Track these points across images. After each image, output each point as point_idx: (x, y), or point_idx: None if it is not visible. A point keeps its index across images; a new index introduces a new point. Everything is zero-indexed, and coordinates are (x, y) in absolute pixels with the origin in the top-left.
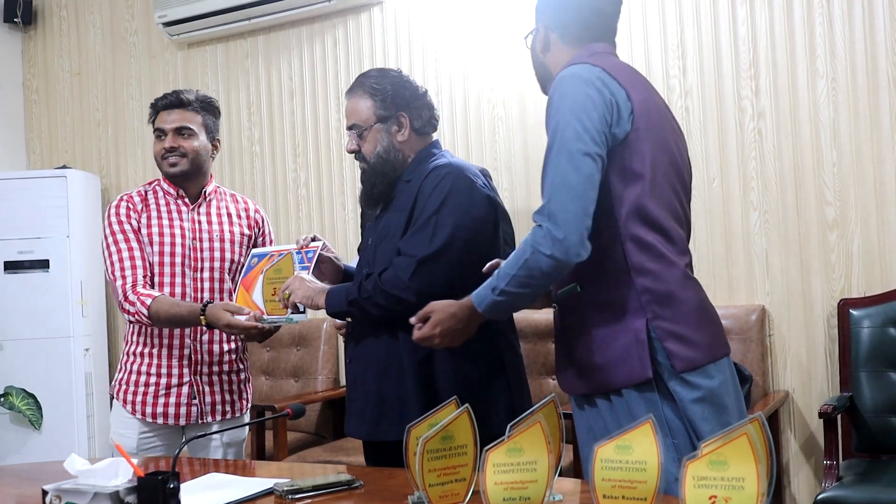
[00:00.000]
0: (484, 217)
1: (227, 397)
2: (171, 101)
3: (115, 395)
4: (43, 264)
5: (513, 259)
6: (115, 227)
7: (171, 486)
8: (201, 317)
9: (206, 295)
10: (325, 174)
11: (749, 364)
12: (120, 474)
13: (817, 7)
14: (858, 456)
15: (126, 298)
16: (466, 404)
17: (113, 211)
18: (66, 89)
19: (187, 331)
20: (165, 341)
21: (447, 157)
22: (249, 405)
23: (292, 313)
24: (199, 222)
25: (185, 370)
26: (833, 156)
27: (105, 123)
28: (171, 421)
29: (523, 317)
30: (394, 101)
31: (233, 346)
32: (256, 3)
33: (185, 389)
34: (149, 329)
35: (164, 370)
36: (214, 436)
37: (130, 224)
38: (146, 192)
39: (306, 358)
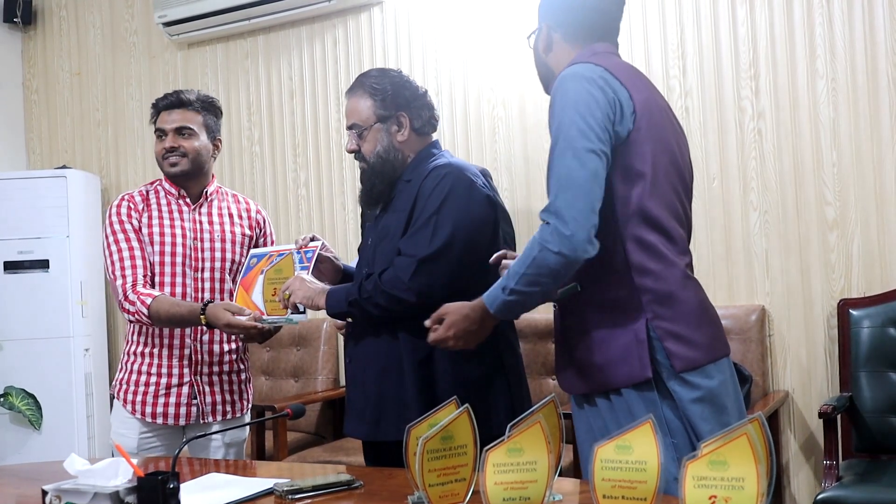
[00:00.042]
0: (484, 217)
1: (228, 397)
2: (172, 101)
3: (115, 395)
4: (43, 264)
5: (521, 258)
6: (116, 227)
7: (171, 486)
8: (201, 316)
9: (207, 295)
10: (325, 174)
11: (749, 364)
12: (120, 474)
13: (817, 7)
14: (858, 456)
15: (126, 298)
16: (466, 404)
17: (114, 210)
18: (65, 89)
19: (188, 331)
20: (166, 341)
21: (447, 157)
22: (250, 405)
23: (292, 313)
24: (201, 222)
25: (186, 370)
26: (833, 156)
27: (105, 123)
28: (170, 421)
29: (523, 317)
30: (394, 100)
31: (233, 346)
32: (256, 3)
33: (185, 389)
34: (149, 329)
35: (164, 370)
36: (215, 436)
37: (131, 224)
38: (147, 192)
39: (306, 358)
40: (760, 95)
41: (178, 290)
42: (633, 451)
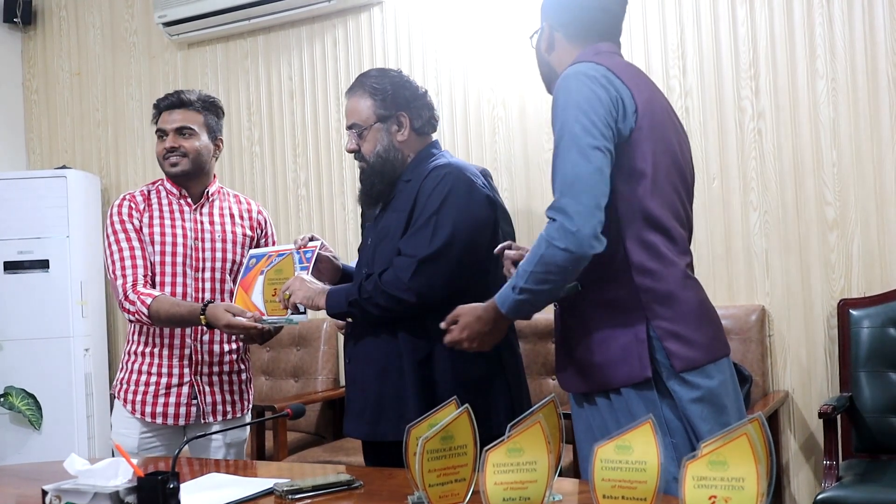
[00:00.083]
0: (484, 217)
1: (228, 398)
2: (173, 102)
3: (115, 395)
4: (43, 264)
5: (529, 256)
6: (117, 227)
7: (171, 486)
8: (201, 317)
9: (208, 295)
10: (325, 174)
11: (749, 364)
12: (120, 474)
13: (817, 7)
14: (858, 456)
15: (126, 298)
16: (466, 404)
17: (115, 210)
18: (65, 89)
19: (188, 331)
20: (166, 341)
21: (447, 157)
22: (251, 406)
23: (292, 314)
24: (202, 222)
25: (186, 370)
26: (833, 156)
27: (105, 123)
28: (170, 421)
29: None
30: (394, 100)
31: (234, 346)
32: (256, 3)
33: (185, 389)
34: (150, 329)
35: (164, 370)
36: (215, 436)
37: (132, 223)
38: (149, 192)
39: (306, 358)
40: (760, 95)
41: (179, 290)
42: (632, 452)
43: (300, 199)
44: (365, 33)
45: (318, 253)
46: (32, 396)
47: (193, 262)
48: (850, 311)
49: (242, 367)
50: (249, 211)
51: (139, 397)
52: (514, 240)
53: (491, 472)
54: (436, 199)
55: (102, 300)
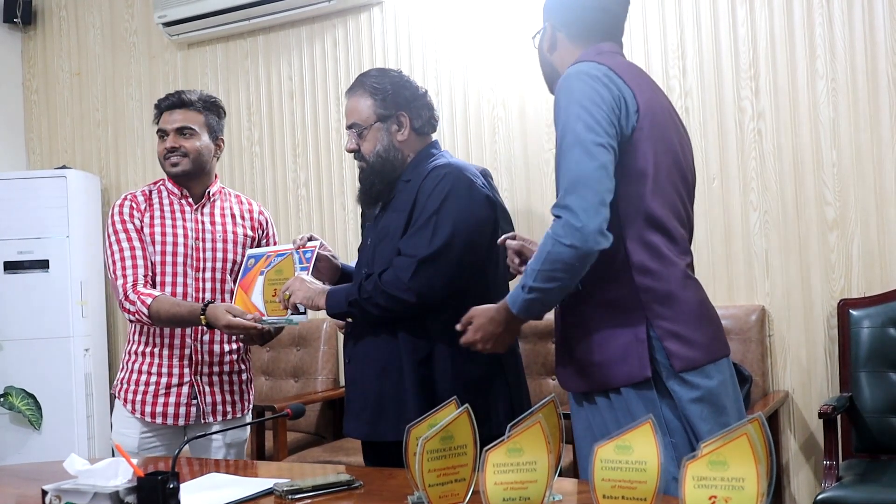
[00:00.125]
0: (484, 217)
1: (228, 398)
2: (174, 102)
3: (116, 395)
4: (43, 264)
5: (536, 254)
6: (118, 227)
7: (171, 486)
8: (201, 317)
9: (208, 295)
10: (324, 174)
11: (749, 364)
12: (120, 474)
13: (817, 7)
14: (858, 456)
15: (127, 297)
16: (466, 404)
17: (116, 210)
18: (65, 89)
19: (188, 331)
20: (167, 341)
21: (446, 157)
22: (251, 406)
23: (292, 314)
24: (203, 223)
25: (186, 370)
26: (833, 156)
27: (105, 124)
28: (170, 421)
29: None
30: (394, 100)
31: (234, 346)
32: (256, 3)
33: (185, 389)
34: (150, 329)
35: (164, 370)
36: (215, 436)
37: (133, 223)
38: (150, 192)
39: (306, 358)
40: (760, 95)
41: (179, 290)
42: (632, 452)
43: (300, 199)
44: (365, 33)
45: (318, 252)
46: (32, 396)
47: (194, 262)
48: (850, 311)
49: (243, 367)
50: (251, 211)
51: (139, 397)
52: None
53: (491, 472)
54: (436, 199)
55: (102, 300)
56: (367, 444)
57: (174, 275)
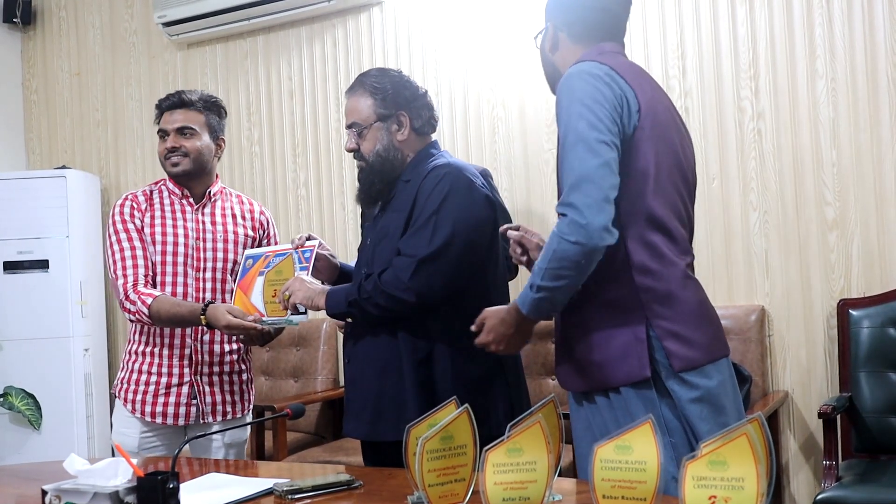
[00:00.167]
0: (483, 217)
1: (229, 398)
2: (174, 102)
3: (116, 395)
4: (42, 264)
5: (543, 253)
6: (119, 227)
7: (171, 486)
8: (202, 317)
9: (209, 295)
10: (324, 174)
11: (748, 364)
12: (119, 474)
13: (817, 7)
14: (858, 456)
15: (127, 297)
16: (466, 404)
17: (117, 210)
18: (65, 89)
19: (188, 331)
20: (167, 341)
21: (446, 157)
22: (251, 406)
23: (292, 314)
24: (203, 223)
25: (186, 370)
26: (833, 156)
27: (104, 124)
28: (170, 421)
29: None
30: (394, 100)
31: (234, 346)
32: (256, 3)
33: (185, 389)
34: (151, 328)
35: (164, 370)
36: (215, 436)
37: (134, 223)
38: (151, 192)
39: (306, 358)
40: (760, 95)
41: (180, 289)
42: (632, 452)
43: (300, 199)
44: (365, 33)
45: (316, 252)
46: (32, 396)
47: (195, 262)
48: (850, 311)
49: (243, 367)
50: (252, 211)
51: (139, 397)
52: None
53: (491, 472)
54: (435, 198)
55: (102, 300)
56: (367, 444)
57: (174, 275)
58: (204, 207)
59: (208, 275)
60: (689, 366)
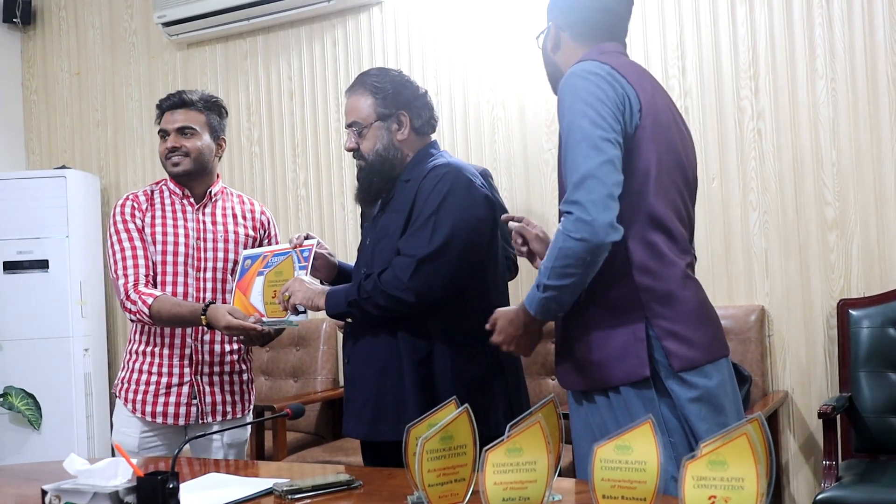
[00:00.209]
0: (483, 216)
1: (229, 398)
2: (175, 102)
3: (117, 394)
4: (42, 264)
5: (549, 252)
6: (120, 227)
7: (171, 486)
8: (202, 317)
9: (209, 295)
10: (324, 174)
11: (748, 364)
12: (119, 474)
13: (816, 7)
14: (858, 456)
15: (128, 297)
16: (466, 404)
17: (118, 210)
18: (65, 89)
19: (189, 330)
20: (167, 340)
21: (445, 157)
22: (252, 406)
23: (292, 314)
24: (204, 222)
25: (187, 370)
26: (833, 156)
27: (104, 123)
28: (170, 420)
29: None
30: (394, 99)
31: (235, 346)
32: (256, 3)
33: (185, 389)
34: (151, 328)
35: (164, 369)
36: (215, 436)
37: (134, 223)
38: (152, 192)
39: (305, 358)
40: (760, 95)
41: (180, 289)
42: (632, 452)
43: (299, 199)
44: (364, 33)
45: (315, 251)
46: (32, 396)
47: (195, 262)
48: (850, 311)
49: (244, 367)
50: (252, 211)
51: (140, 396)
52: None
53: (490, 472)
54: (435, 198)
55: (102, 300)
56: (367, 444)
57: (175, 274)
58: (205, 207)
59: (209, 275)
60: (688, 365)
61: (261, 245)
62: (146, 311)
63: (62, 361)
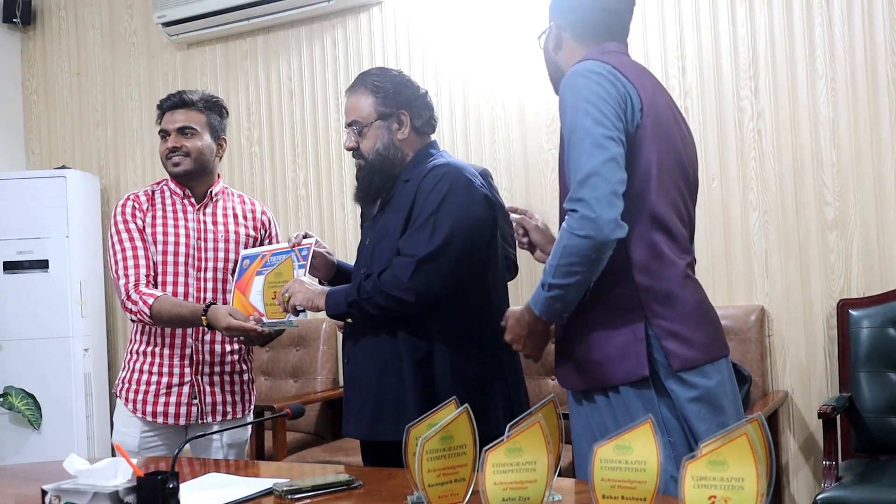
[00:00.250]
0: (482, 216)
1: (229, 398)
2: (175, 102)
3: (118, 394)
4: (42, 264)
5: (553, 250)
6: (121, 227)
7: (171, 485)
8: (203, 318)
9: (210, 295)
10: (324, 174)
11: (748, 364)
12: (119, 474)
13: (816, 7)
14: (857, 456)
15: (129, 297)
16: (466, 404)
17: (119, 210)
18: (65, 89)
19: (189, 330)
20: (167, 340)
21: (445, 157)
22: (252, 407)
23: (292, 315)
24: (205, 222)
25: (187, 370)
26: (832, 156)
27: (104, 123)
28: (171, 420)
29: None
30: (395, 98)
31: (235, 346)
32: (256, 3)
33: (185, 389)
34: (152, 328)
35: (165, 369)
36: (215, 436)
37: (135, 223)
38: (153, 192)
39: (305, 358)
40: (760, 95)
41: (181, 289)
42: (632, 452)
43: (299, 199)
44: (364, 33)
45: (313, 249)
46: (32, 396)
47: (196, 262)
48: (850, 311)
49: (244, 367)
50: (253, 211)
51: (140, 396)
52: (513, 238)
53: (490, 472)
54: (434, 198)
55: (102, 300)
56: (366, 443)
57: (175, 275)
58: (205, 207)
59: (209, 275)
60: (687, 365)
61: (262, 245)
62: (147, 311)
63: (62, 361)
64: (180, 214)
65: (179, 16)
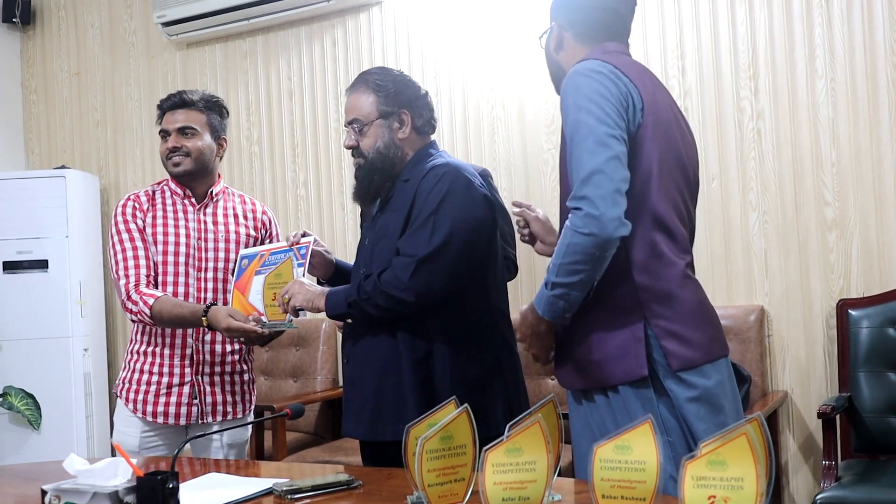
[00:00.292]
0: (482, 216)
1: (229, 398)
2: (176, 102)
3: (118, 394)
4: (42, 264)
5: (557, 249)
6: (121, 227)
7: (171, 485)
8: (203, 318)
9: (210, 295)
10: (324, 174)
11: (748, 364)
12: (119, 474)
13: (816, 7)
14: (857, 456)
15: (129, 298)
16: (465, 404)
17: (119, 210)
18: (64, 89)
19: (189, 331)
20: (168, 340)
21: (445, 157)
22: (253, 407)
23: (291, 316)
24: (205, 223)
25: (187, 370)
26: (832, 156)
27: (104, 123)
28: (171, 420)
29: None
30: (396, 98)
31: (236, 346)
32: (256, 3)
33: (185, 389)
34: (152, 328)
35: (165, 369)
36: (215, 436)
37: (136, 223)
38: (153, 192)
39: (305, 358)
40: (760, 95)
41: (181, 289)
42: (632, 451)
43: (299, 198)
44: (364, 33)
45: (311, 248)
46: (31, 396)
47: (196, 262)
48: (849, 311)
49: (244, 367)
50: (254, 211)
51: (140, 396)
52: (513, 238)
53: (490, 472)
54: (434, 198)
55: (101, 300)
56: (366, 443)
57: (176, 275)
58: (206, 207)
59: (210, 275)
60: (686, 365)
61: (263, 245)
62: (147, 311)
63: (62, 361)
64: (181, 214)
65: (179, 16)
